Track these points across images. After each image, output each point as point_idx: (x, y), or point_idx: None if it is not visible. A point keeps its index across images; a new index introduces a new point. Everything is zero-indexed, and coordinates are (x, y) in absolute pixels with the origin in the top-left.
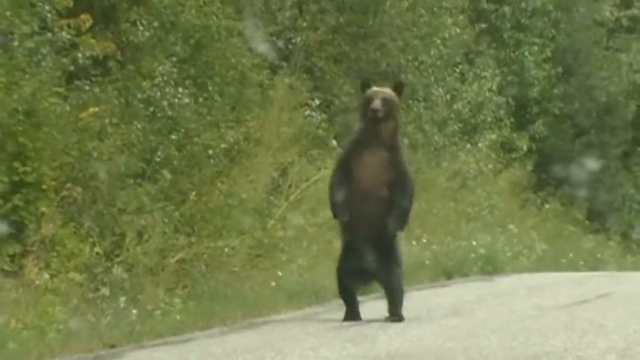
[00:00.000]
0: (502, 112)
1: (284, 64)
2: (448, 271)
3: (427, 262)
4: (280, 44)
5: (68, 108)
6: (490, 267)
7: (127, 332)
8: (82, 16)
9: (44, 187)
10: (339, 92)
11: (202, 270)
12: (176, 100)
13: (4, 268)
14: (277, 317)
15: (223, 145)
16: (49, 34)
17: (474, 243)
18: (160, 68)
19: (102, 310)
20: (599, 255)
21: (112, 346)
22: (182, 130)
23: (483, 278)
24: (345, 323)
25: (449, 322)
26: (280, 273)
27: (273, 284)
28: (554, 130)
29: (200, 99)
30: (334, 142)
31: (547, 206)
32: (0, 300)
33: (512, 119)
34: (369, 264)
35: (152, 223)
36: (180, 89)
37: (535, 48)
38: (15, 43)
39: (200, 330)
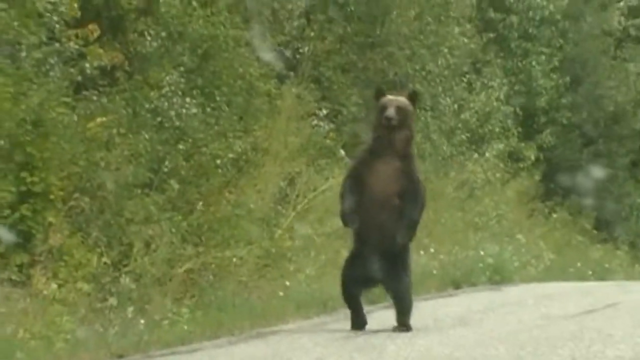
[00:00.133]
0: (509, 121)
1: (292, 73)
2: (456, 281)
3: (434, 271)
4: (288, 53)
5: (75, 118)
6: (498, 276)
7: (134, 342)
8: (90, 26)
9: (52, 197)
10: (347, 102)
11: (209, 280)
12: (184, 110)
13: (11, 278)
14: (285, 327)
15: (231, 155)
16: (57, 44)
17: (482, 253)
18: (167, 78)
19: (110, 320)
20: (606, 265)
21: (120, 356)
22: (190, 140)
23: (491, 288)
24: (353, 333)
25: (457, 332)
26: (288, 283)
27: (281, 293)
28: (561, 139)
29: (208, 109)
30: (342, 152)
31: (554, 216)
32: (8, 310)
33: (519, 129)
34: (374, 272)
35: (160, 233)
36: (187, 99)
37: (543, 57)
38: (23, 53)
39: (208, 340)
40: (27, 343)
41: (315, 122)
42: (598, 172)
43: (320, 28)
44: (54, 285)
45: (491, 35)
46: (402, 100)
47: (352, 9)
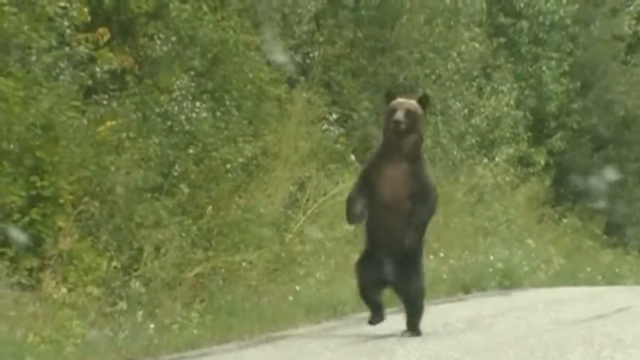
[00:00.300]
0: (519, 126)
1: (302, 78)
2: (465, 285)
3: (444, 276)
4: (298, 58)
5: (85, 122)
6: (508, 281)
7: (144, 346)
8: (100, 30)
9: (62, 201)
10: (357, 106)
11: (219, 285)
12: (194, 115)
13: (21, 282)
14: (294, 332)
15: (241, 160)
16: (67, 48)
17: (492, 257)
18: (177, 82)
19: (120, 324)
20: (617, 270)
21: None
22: (200, 144)
23: (501, 292)
24: (363, 337)
25: (467, 337)
26: (298, 287)
27: (291, 298)
28: (572, 144)
29: (218, 113)
30: (352, 157)
31: (564, 220)
32: (18, 314)
33: (529, 134)
34: (386, 275)
35: (170, 237)
36: (197, 103)
37: (553, 62)
38: (33, 57)
39: (218, 345)
40: (37, 347)
41: (325, 126)
42: (608, 176)
43: (330, 32)
44: (64, 290)
45: (501, 40)
46: (412, 103)
47: (363, 13)
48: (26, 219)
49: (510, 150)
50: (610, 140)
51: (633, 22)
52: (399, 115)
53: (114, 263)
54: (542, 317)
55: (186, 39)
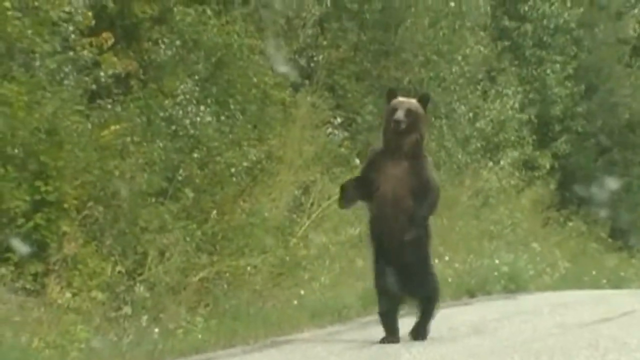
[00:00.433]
0: (524, 130)
1: (306, 82)
2: (471, 289)
3: (449, 280)
4: (302, 62)
5: (90, 126)
6: (513, 285)
7: (149, 351)
8: (104, 35)
9: (66, 205)
10: (362, 110)
11: (224, 289)
12: (198, 119)
13: (26, 287)
14: (299, 336)
15: (245, 164)
16: (71, 53)
17: (497, 261)
18: (182, 86)
19: (124, 329)
20: (622, 273)
21: None
22: (204, 148)
23: (506, 296)
24: (367, 342)
25: (472, 341)
26: (302, 291)
27: (295, 302)
28: (576, 148)
29: (222, 118)
30: (357, 160)
31: (570, 224)
32: (23, 319)
33: (534, 137)
34: (402, 290)
35: (174, 242)
36: (202, 108)
37: (558, 66)
38: (37, 62)
39: (223, 349)
40: (41, 352)
41: (329, 130)
42: (613, 180)
43: (334, 36)
44: (68, 294)
45: (506, 43)
46: (413, 102)
47: (367, 17)
48: (30, 223)
49: (515, 154)
50: (615, 144)
51: (637, 25)
52: (400, 114)
53: (119, 268)
54: (547, 320)
55: (190, 44)
